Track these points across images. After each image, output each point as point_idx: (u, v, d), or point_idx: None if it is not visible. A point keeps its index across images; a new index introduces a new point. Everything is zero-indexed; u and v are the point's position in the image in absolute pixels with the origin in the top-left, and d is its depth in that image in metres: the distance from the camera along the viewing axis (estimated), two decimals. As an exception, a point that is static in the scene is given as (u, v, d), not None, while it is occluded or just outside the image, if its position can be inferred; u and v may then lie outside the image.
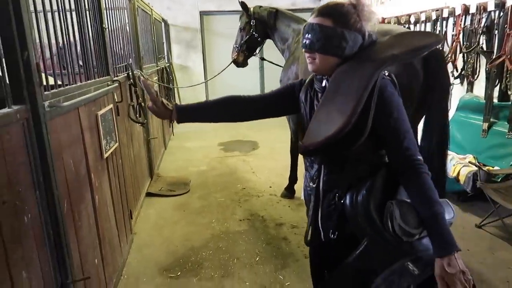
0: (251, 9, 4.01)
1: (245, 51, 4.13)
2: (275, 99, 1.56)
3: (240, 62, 4.19)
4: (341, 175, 1.34)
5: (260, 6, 4.06)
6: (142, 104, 3.74)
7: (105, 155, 2.50)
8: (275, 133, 6.25)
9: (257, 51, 4.23)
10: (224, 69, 4.68)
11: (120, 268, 2.72)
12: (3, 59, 1.46)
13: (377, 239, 1.24)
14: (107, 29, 2.84)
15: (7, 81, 1.45)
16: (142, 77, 2.22)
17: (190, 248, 3.08)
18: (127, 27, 4.16)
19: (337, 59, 1.30)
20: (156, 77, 5.59)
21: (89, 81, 2.33)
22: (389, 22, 5.57)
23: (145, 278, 2.71)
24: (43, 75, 1.64)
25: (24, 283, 1.44)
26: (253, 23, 3.96)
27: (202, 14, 8.87)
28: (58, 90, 1.82)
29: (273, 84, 9.18)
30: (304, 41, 1.33)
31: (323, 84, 1.36)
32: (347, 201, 1.28)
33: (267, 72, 9.09)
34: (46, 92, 1.66)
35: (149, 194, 4.23)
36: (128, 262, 2.91)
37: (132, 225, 3.31)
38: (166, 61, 7.54)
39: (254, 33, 3.91)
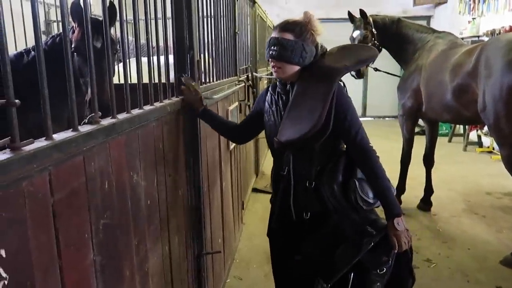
0: (370, 18, 3.99)
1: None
2: (250, 120, 1.90)
3: (361, 73, 4.07)
4: (309, 164, 1.60)
5: (377, 15, 4.03)
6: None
7: (230, 148, 2.76)
8: (375, 143, 6.13)
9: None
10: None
11: (233, 253, 2.95)
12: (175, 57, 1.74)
13: (343, 212, 1.56)
14: (238, 34, 3.12)
15: (176, 74, 1.73)
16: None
17: (295, 244, 3.22)
18: (248, 33, 4.47)
19: (298, 67, 1.56)
20: (266, 80, 5.88)
21: (225, 79, 2.60)
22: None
23: (255, 265, 2.91)
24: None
25: (175, 247, 1.69)
26: (375, 32, 3.91)
27: (310, 21, 9.03)
28: (208, 85, 2.09)
29: (376, 92, 9.01)
30: (270, 53, 1.56)
31: (287, 88, 1.62)
32: (318, 185, 1.58)
33: (371, 82, 8.94)
34: (201, 86, 1.93)
35: (255, 190, 4.48)
36: (239, 248, 3.15)
37: (243, 215, 3.55)
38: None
39: (376, 42, 3.82)
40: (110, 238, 1.10)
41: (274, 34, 1.57)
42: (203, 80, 2.02)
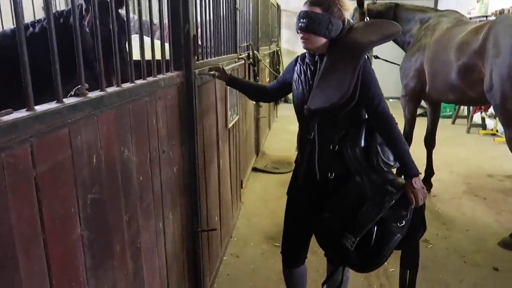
0: (365, 5, 3.92)
1: None
2: (279, 86, 2.05)
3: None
4: (333, 129, 1.73)
5: (375, 2, 3.95)
6: (259, 82, 3.94)
7: (229, 126, 2.73)
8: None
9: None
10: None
11: (231, 231, 2.97)
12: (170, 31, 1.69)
13: (365, 174, 1.70)
14: (239, 10, 3.05)
15: (171, 49, 1.68)
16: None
17: (293, 223, 3.22)
18: (250, 10, 4.38)
19: (324, 39, 1.66)
20: (268, 59, 5.80)
21: (223, 56, 2.55)
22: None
23: (252, 243, 2.92)
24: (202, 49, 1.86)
25: (169, 223, 1.69)
26: (367, 20, 3.86)
27: (315, -1, 8.84)
28: (204, 61, 2.04)
29: (379, 73, 8.86)
30: (299, 25, 1.66)
31: (315, 59, 1.73)
32: (342, 148, 1.71)
33: (374, 62, 8.80)
34: (197, 62, 1.89)
35: (254, 169, 4.47)
36: (237, 226, 3.16)
37: (241, 194, 3.55)
38: (277, 45, 7.74)
39: None
40: (99, 213, 1.09)
41: (304, 8, 1.67)
42: (200, 57, 1.98)
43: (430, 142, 3.82)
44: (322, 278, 2.19)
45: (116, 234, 1.20)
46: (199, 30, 2.25)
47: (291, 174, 4.33)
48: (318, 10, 1.63)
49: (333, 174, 1.74)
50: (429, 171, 3.84)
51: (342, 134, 1.73)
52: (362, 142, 1.70)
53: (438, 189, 3.86)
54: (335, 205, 1.75)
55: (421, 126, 3.92)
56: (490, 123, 6.22)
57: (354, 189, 1.72)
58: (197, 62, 1.88)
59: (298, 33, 1.69)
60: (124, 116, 1.24)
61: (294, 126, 6.31)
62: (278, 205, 3.57)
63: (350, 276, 2.44)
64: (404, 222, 1.67)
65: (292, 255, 1.97)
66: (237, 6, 2.98)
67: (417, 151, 4.13)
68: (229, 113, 2.71)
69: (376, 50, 4.07)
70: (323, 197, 1.78)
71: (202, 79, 1.98)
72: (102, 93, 1.09)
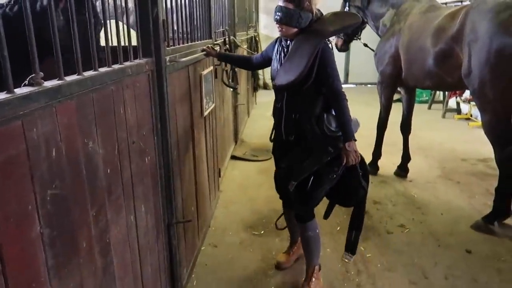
0: None
1: (341, 37, 4.03)
2: (262, 60, 2.42)
3: (338, 47, 4.07)
4: (297, 101, 2.09)
5: None
6: (235, 69, 3.87)
7: (205, 114, 2.67)
8: (356, 109, 6.12)
9: (358, 35, 4.05)
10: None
11: (208, 220, 2.93)
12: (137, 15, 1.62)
13: (314, 135, 2.06)
14: (212, -6, 2.96)
15: (139, 34, 1.61)
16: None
17: (273, 210, 3.21)
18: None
19: (296, 29, 2.02)
20: (246, 45, 5.71)
21: (197, 42, 2.48)
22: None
23: (230, 232, 2.90)
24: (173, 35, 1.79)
25: (142, 216, 1.64)
26: (346, 9, 3.90)
27: (293, -16, 8.74)
28: (176, 47, 1.97)
29: (358, 59, 8.92)
30: (275, 17, 2.02)
31: (287, 43, 2.11)
32: (301, 116, 2.09)
33: (353, 48, 8.81)
34: (168, 48, 1.82)
35: (233, 157, 4.44)
36: (215, 216, 3.13)
37: (220, 182, 3.52)
38: (255, 31, 7.64)
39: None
40: (61, 209, 1.03)
41: (279, 3, 2.01)
42: (170, 43, 1.90)
43: (406, 128, 3.86)
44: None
45: (82, 230, 1.15)
46: (170, 15, 2.17)
47: (269, 162, 4.37)
48: (290, 6, 1.97)
49: (293, 136, 2.15)
50: (405, 157, 3.89)
51: (302, 106, 2.08)
52: (317, 111, 2.07)
53: (413, 174, 3.92)
54: (289, 159, 2.17)
55: (398, 112, 3.96)
56: (465, 107, 6.34)
57: (305, 147, 2.11)
58: (167, 49, 1.81)
59: (275, 23, 2.04)
60: (87, 106, 1.17)
61: (272, 113, 5.99)
62: (257, 193, 3.56)
63: (327, 264, 2.48)
64: (335, 175, 2.08)
65: (284, 199, 2.40)
66: (211, -10, 2.89)
67: (393, 137, 4.19)
68: (204, 101, 2.64)
69: (364, 37, 4.12)
70: (287, 153, 2.20)
71: (174, 66, 1.91)
72: (59, 82, 1.02)
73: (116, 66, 1.36)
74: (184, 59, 1.95)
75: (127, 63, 1.45)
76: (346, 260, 2.27)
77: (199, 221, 2.56)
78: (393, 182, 3.80)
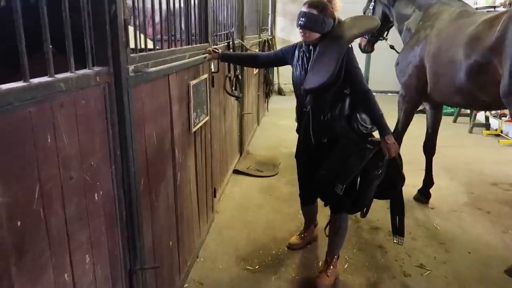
0: None
1: (366, 37, 3.63)
2: (275, 59, 2.49)
3: (362, 48, 3.71)
4: (324, 103, 2.15)
5: None
6: (239, 76, 3.50)
7: (193, 129, 2.31)
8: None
9: (384, 35, 3.67)
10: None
11: (196, 250, 2.56)
12: (87, 12, 1.26)
13: (349, 135, 2.11)
14: (210, -9, 2.60)
15: (89, 38, 1.25)
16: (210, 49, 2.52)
17: (272, 239, 2.83)
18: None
19: (318, 34, 2.08)
20: (257, 50, 5.34)
21: (184, 47, 2.12)
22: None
23: (221, 265, 2.52)
24: (145, 38, 1.44)
25: (86, 268, 1.28)
26: (371, 6, 3.51)
27: (312, -15, 8.35)
28: (147, 54, 1.61)
29: (379, 66, 8.43)
30: (299, 22, 2.07)
31: (310, 48, 2.15)
32: (331, 117, 2.14)
33: (374, 54, 8.34)
34: (132, 55, 1.45)
35: (236, 172, 4.06)
36: (206, 243, 2.76)
37: (215, 203, 3.14)
38: (269, 34, 7.26)
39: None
40: None
41: (303, 9, 2.07)
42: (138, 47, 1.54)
43: (429, 148, 3.40)
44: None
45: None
46: (142, 14, 1.82)
47: (273, 178, 4.00)
48: (314, 11, 2.03)
49: (326, 139, 2.21)
50: (428, 181, 3.43)
51: (331, 107, 2.13)
52: (346, 111, 2.11)
53: (436, 200, 3.46)
54: (328, 163, 2.17)
55: (420, 124, 3.48)
56: (495, 122, 5.80)
57: (342, 149, 2.14)
58: (132, 56, 1.45)
59: (298, 28, 2.10)
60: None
61: (285, 121, 5.95)
62: (256, 216, 3.17)
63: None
64: (380, 170, 2.10)
65: (305, 198, 2.52)
66: (209, -13, 2.52)
67: (413, 153, 3.74)
68: (193, 114, 2.28)
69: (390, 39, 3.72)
70: (319, 157, 2.23)
71: (144, 76, 1.55)
72: None
73: (35, 81, 1.00)
74: (155, 68, 1.58)
75: (59, 76, 1.09)
76: (398, 243, 2.36)
77: (180, 256, 2.19)
78: (413, 208, 3.35)
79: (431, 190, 3.47)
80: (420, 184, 3.51)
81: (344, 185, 2.04)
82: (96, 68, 1.28)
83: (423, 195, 3.44)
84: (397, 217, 2.30)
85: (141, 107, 1.59)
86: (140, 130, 1.59)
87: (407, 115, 3.26)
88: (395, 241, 2.36)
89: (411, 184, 3.59)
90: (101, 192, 1.35)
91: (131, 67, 1.43)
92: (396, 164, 2.16)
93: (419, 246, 2.78)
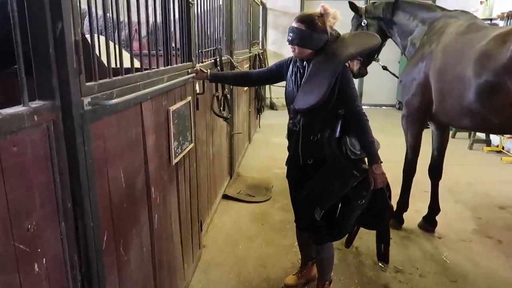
0: (363, 9, 3.27)
1: (359, 59, 3.24)
2: (269, 75, 2.33)
3: (356, 72, 3.29)
4: (315, 123, 2.04)
5: (374, 3, 3.29)
6: (228, 96, 3.24)
7: (175, 161, 2.02)
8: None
9: (376, 56, 3.35)
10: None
11: (179, 296, 2.25)
12: (18, 29, 0.97)
13: (336, 159, 2.01)
14: (193, 5, 2.33)
15: (22, 64, 0.96)
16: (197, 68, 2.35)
17: (265, 278, 2.52)
18: (223, 7, 3.67)
19: (310, 50, 1.97)
20: (248, 65, 5.09)
21: (160, 68, 1.84)
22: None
23: (207, 314, 2.21)
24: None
25: None
26: (364, 24, 3.20)
27: (304, -2, 8.20)
28: (110, 80, 1.32)
29: (373, 79, 8.21)
30: (288, 38, 1.98)
31: (304, 64, 2.04)
32: (320, 138, 2.04)
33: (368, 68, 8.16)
34: (88, 84, 1.17)
35: (225, 197, 3.76)
36: (192, 286, 2.44)
37: (202, 236, 2.84)
38: (260, 47, 7.04)
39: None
40: None
41: (293, 24, 1.96)
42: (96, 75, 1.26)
43: (435, 171, 3.14)
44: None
45: None
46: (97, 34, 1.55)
47: (266, 204, 3.70)
48: (302, 27, 1.93)
49: (312, 160, 2.09)
50: (434, 207, 3.16)
51: (321, 128, 2.03)
52: (337, 133, 2.01)
53: (442, 227, 3.19)
54: (312, 184, 2.06)
55: (423, 141, 3.19)
56: (495, 139, 5.59)
57: (328, 171, 2.03)
58: (88, 84, 1.16)
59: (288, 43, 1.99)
60: None
61: (277, 138, 5.60)
62: (247, 250, 2.87)
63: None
64: (364, 200, 1.99)
65: (301, 223, 2.22)
66: (191, 0, 2.26)
67: (418, 172, 3.43)
68: (175, 144, 1.99)
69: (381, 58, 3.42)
70: (306, 177, 2.10)
71: (107, 107, 1.27)
72: None
73: None
74: (128, 96, 1.30)
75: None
76: (382, 269, 2.42)
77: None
78: (418, 238, 3.07)
79: (437, 217, 3.20)
80: (423, 208, 3.25)
81: (321, 210, 1.96)
82: (34, 104, 0.99)
83: (429, 223, 3.16)
84: (382, 245, 2.24)
85: (103, 145, 1.30)
86: (102, 173, 1.29)
87: (415, 138, 3.00)
88: (380, 264, 2.46)
89: (414, 209, 3.34)
90: (43, 260, 1.05)
91: (86, 100, 1.14)
92: (383, 194, 2.05)
93: (429, 285, 2.49)
